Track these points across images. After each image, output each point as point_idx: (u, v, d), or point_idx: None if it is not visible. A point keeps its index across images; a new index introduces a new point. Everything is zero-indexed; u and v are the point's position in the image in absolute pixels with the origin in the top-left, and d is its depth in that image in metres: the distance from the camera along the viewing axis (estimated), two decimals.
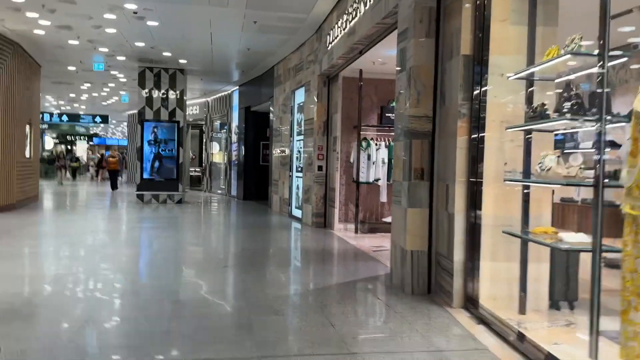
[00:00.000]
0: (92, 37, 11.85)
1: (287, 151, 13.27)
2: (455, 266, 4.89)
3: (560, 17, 4.67)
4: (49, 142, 41.47)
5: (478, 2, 4.79)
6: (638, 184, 2.81)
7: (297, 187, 12.33)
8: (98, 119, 30.88)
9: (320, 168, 10.81)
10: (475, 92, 4.80)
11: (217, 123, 21.84)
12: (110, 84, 19.38)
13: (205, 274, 6.37)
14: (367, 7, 7.34)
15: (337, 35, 9.08)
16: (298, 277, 6.41)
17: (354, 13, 7.96)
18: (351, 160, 10.48)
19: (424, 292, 5.42)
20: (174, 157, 15.64)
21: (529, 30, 4.59)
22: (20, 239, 8.74)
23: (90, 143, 50.49)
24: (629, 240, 2.88)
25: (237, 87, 18.58)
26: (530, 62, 4.51)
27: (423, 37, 5.41)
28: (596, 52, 3.39)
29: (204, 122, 22.93)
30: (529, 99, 4.51)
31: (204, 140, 23.08)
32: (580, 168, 3.73)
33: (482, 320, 4.50)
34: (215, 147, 22.08)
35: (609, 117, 3.40)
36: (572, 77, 4.20)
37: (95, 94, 22.52)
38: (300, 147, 12.03)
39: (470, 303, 4.79)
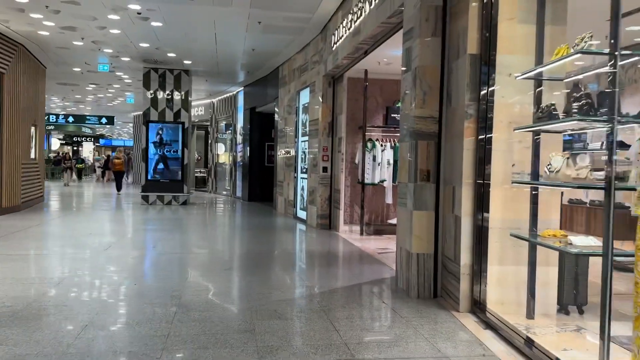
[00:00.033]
0: (97, 38, 11.84)
1: (292, 152, 13.21)
2: (462, 270, 4.81)
3: (569, 15, 4.58)
4: (56, 143, 41.65)
5: (485, 1, 4.70)
6: None
7: (302, 189, 12.26)
8: (104, 120, 30.96)
9: (325, 169, 10.74)
10: (483, 92, 4.71)
11: (222, 124, 21.82)
12: (115, 85, 19.41)
13: (209, 277, 6.31)
14: (372, 7, 7.26)
15: (342, 35, 9.00)
16: (302, 279, 6.34)
17: (359, 12, 7.88)
18: (356, 161, 10.40)
19: (429, 296, 5.34)
20: (179, 158, 15.61)
21: (537, 29, 4.49)
22: (23, 241, 8.70)
23: (97, 144, 50.69)
24: None
25: (242, 88, 18.55)
26: (539, 61, 4.42)
27: (429, 36, 5.32)
28: (607, 50, 3.30)
29: (209, 123, 22.91)
30: (537, 99, 4.42)
31: (209, 142, 23.05)
32: (590, 170, 3.64)
33: (489, 325, 4.41)
34: (220, 148, 22.06)
35: (619, 118, 3.31)
36: (581, 76, 4.11)
37: (100, 95, 22.57)
38: (305, 148, 11.96)
39: (477, 307, 4.71)
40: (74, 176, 28.09)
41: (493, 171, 4.63)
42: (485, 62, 4.70)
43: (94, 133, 47.06)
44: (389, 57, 8.67)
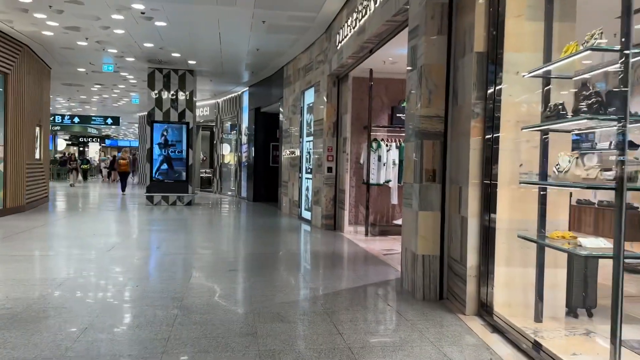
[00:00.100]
0: (101, 38, 11.81)
1: (297, 152, 13.14)
2: (469, 271, 4.72)
3: (578, 12, 4.48)
4: (62, 143, 41.77)
5: None
6: None
7: (307, 189, 12.19)
8: (109, 121, 31.01)
9: (329, 169, 10.67)
10: (490, 91, 4.62)
11: (227, 124, 21.78)
12: (120, 86, 19.42)
13: (212, 278, 6.24)
14: (377, 5, 7.18)
15: (347, 34, 8.93)
16: (306, 281, 6.26)
17: (364, 11, 7.80)
18: (361, 161, 10.32)
19: (435, 298, 5.25)
20: (183, 158, 15.58)
21: (545, 26, 4.39)
22: (27, 242, 8.67)
23: (103, 145, 50.82)
24: None
25: (247, 88, 18.51)
26: (547, 59, 4.32)
27: (435, 34, 5.24)
28: (617, 47, 3.20)
29: (214, 124, 22.88)
30: (546, 97, 4.32)
31: (215, 142, 23.03)
32: (600, 170, 3.55)
33: (496, 329, 4.32)
34: (225, 149, 22.02)
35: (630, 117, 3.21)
36: (590, 74, 4.02)
37: (105, 96, 22.60)
38: (310, 148, 11.89)
39: (484, 310, 4.61)
40: (80, 177, 28.17)
41: (500, 171, 4.54)
42: (492, 60, 4.61)
43: (99, 134, 47.17)
44: (394, 56, 8.59)
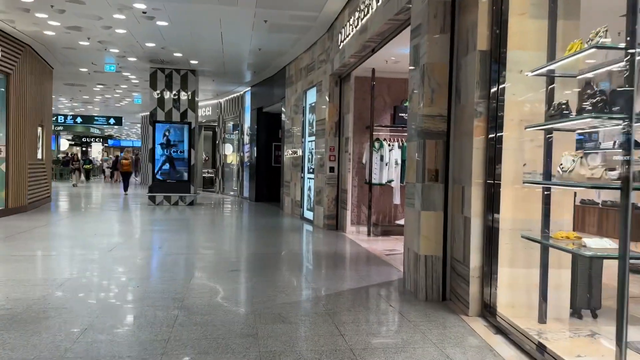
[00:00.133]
0: (103, 37, 11.79)
1: (299, 152, 13.11)
2: (472, 272, 4.68)
3: (582, 10, 4.43)
4: (64, 144, 41.84)
5: None
6: None
7: (309, 189, 12.16)
8: (112, 121, 31.01)
9: (332, 169, 10.63)
10: (493, 90, 4.58)
11: (229, 124, 21.76)
12: (122, 86, 19.42)
13: (214, 278, 6.21)
14: (379, 3, 7.14)
15: (349, 34, 8.89)
16: (308, 282, 6.22)
17: (366, 10, 7.76)
18: (363, 161, 10.28)
19: (438, 299, 5.21)
20: (185, 158, 15.56)
21: (549, 24, 4.34)
22: (28, 242, 8.66)
23: (105, 145, 50.89)
24: None
25: (249, 88, 18.48)
26: (551, 57, 4.27)
27: (437, 32, 5.19)
28: (622, 45, 3.15)
29: (216, 124, 22.87)
30: (550, 96, 4.28)
31: (217, 142, 23.01)
32: (606, 170, 3.50)
33: (499, 330, 4.28)
34: (228, 149, 22.00)
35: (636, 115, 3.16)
36: (596, 72, 3.97)
37: (108, 96, 22.61)
38: (312, 148, 11.85)
39: (488, 311, 4.57)
40: (82, 177, 28.19)
41: (504, 171, 4.49)
42: (496, 59, 4.56)
43: (102, 134, 47.23)
44: (396, 56, 8.55)
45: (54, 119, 27.00)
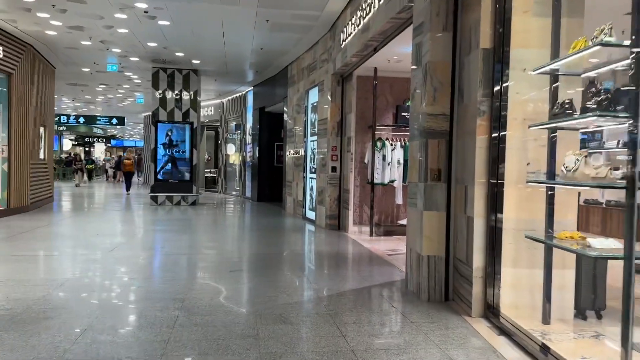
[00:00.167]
0: (104, 37, 11.78)
1: (301, 152, 13.07)
2: (475, 273, 4.63)
3: (586, 8, 4.39)
4: (67, 144, 41.87)
5: None
6: None
7: (311, 189, 12.12)
8: (114, 121, 31.01)
9: (334, 169, 10.59)
10: (496, 89, 4.53)
11: (231, 124, 21.74)
12: (125, 86, 19.41)
13: (215, 279, 6.18)
14: (381, 2, 7.10)
15: (351, 33, 8.85)
16: (309, 282, 6.18)
17: (368, 9, 7.72)
18: (366, 161, 10.24)
19: (441, 300, 5.17)
20: (187, 158, 15.54)
21: (553, 22, 4.29)
22: (30, 242, 8.64)
23: (108, 145, 50.92)
24: None
25: (251, 87, 18.46)
26: (555, 55, 4.22)
27: (440, 31, 5.15)
28: (628, 42, 3.11)
29: (219, 124, 22.85)
30: (554, 95, 4.23)
31: (219, 142, 23.00)
32: (610, 169, 3.45)
33: (503, 331, 4.23)
34: (230, 149, 21.99)
35: None
36: (600, 70, 3.92)
37: (110, 96, 22.61)
38: (314, 148, 11.82)
39: (491, 312, 4.53)
40: (85, 177, 28.22)
41: (507, 170, 4.46)
42: (499, 57, 4.52)
43: (105, 134, 47.25)
44: (398, 55, 8.50)
45: (56, 118, 27.05)
